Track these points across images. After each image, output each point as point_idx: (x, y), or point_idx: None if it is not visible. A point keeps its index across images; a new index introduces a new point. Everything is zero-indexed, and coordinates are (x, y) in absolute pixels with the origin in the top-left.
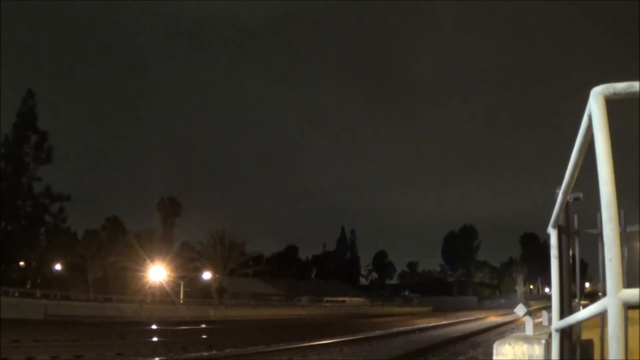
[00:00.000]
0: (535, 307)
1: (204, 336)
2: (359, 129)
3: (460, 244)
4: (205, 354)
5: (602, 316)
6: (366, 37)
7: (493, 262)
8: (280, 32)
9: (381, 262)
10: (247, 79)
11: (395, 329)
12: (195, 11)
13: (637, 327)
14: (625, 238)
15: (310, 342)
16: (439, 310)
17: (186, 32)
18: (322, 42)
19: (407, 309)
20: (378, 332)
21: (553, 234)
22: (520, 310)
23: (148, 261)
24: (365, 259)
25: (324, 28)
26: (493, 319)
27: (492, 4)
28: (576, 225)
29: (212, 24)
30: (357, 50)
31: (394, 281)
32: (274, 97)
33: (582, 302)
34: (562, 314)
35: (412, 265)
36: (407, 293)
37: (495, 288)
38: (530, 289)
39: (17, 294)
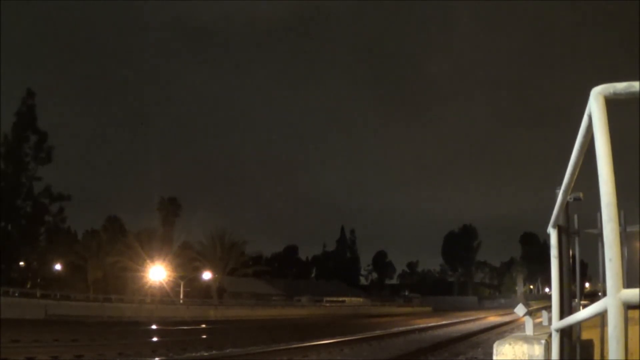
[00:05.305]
0: (535, 307)
1: (204, 336)
2: (359, 129)
3: (460, 244)
4: (205, 354)
5: (602, 316)
6: (375, 38)
7: (493, 262)
8: (289, 31)
9: (381, 262)
10: (249, 78)
11: (395, 329)
12: (202, 12)
13: (637, 327)
14: (625, 238)
15: (310, 342)
16: (439, 310)
17: (191, 32)
18: (332, 42)
19: (407, 309)
20: (378, 332)
21: (553, 234)
22: (520, 310)
23: (148, 261)
24: (365, 259)
25: (334, 28)
26: (493, 319)
27: (505, 4)
28: (576, 225)
29: (216, 24)
30: (365, 50)
31: (394, 281)
32: (276, 97)
33: (582, 302)
34: (562, 314)
35: (412, 265)
36: (407, 293)
37: (495, 288)
38: (530, 289)
39: (17, 294)
